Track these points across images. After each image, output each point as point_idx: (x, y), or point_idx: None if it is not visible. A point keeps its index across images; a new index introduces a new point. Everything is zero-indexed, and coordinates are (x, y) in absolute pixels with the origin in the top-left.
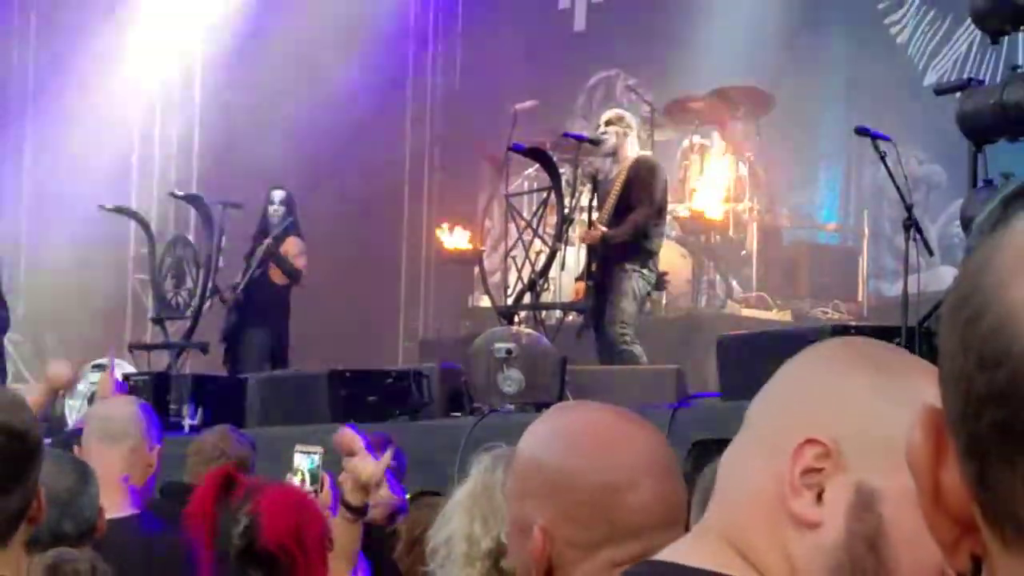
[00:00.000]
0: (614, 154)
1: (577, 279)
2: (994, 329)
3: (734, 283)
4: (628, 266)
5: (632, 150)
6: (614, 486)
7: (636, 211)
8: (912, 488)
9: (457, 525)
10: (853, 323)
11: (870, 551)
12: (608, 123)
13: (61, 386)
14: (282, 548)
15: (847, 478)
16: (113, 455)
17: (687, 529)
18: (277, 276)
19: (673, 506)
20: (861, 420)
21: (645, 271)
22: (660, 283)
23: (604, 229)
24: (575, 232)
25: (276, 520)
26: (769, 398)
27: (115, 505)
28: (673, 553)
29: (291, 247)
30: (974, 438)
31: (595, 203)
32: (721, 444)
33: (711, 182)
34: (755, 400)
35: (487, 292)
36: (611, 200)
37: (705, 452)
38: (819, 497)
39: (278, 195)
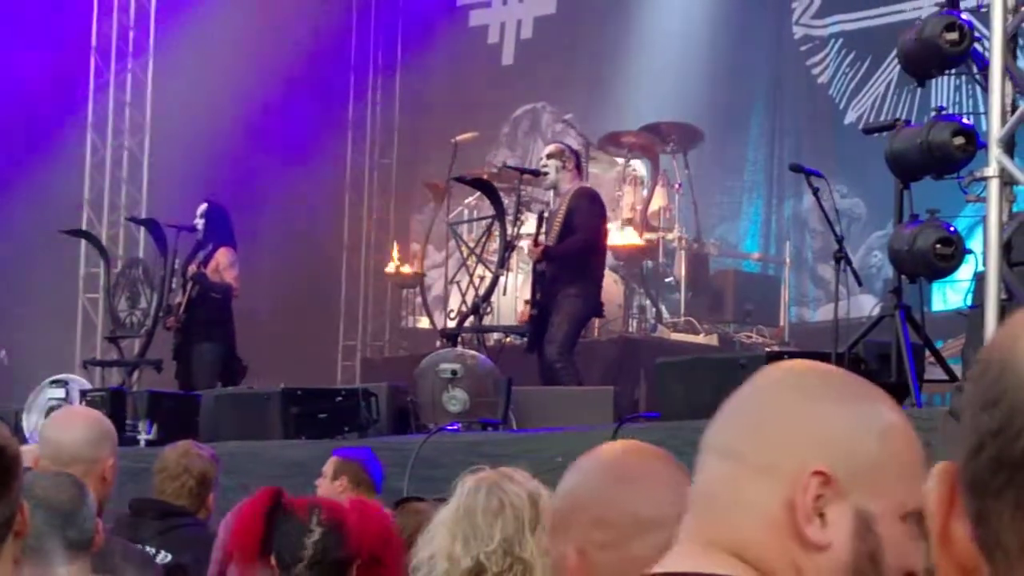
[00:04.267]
0: (554, 188)
1: (526, 302)
2: (996, 376)
3: (663, 308)
4: (571, 291)
5: (572, 182)
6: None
7: (575, 235)
8: (892, 506)
9: (439, 544)
10: (787, 350)
11: (872, 566)
12: (549, 156)
13: None
14: (373, 557)
15: (846, 503)
16: None
17: None
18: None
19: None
20: (847, 448)
21: (587, 296)
22: (599, 309)
23: (548, 244)
24: (517, 258)
25: (366, 529)
26: (752, 427)
27: None
28: (685, 563)
29: (221, 259)
30: (975, 477)
31: (542, 235)
32: None
33: (642, 212)
34: (728, 427)
35: (428, 315)
36: (555, 230)
37: None
38: (821, 519)
39: (200, 209)
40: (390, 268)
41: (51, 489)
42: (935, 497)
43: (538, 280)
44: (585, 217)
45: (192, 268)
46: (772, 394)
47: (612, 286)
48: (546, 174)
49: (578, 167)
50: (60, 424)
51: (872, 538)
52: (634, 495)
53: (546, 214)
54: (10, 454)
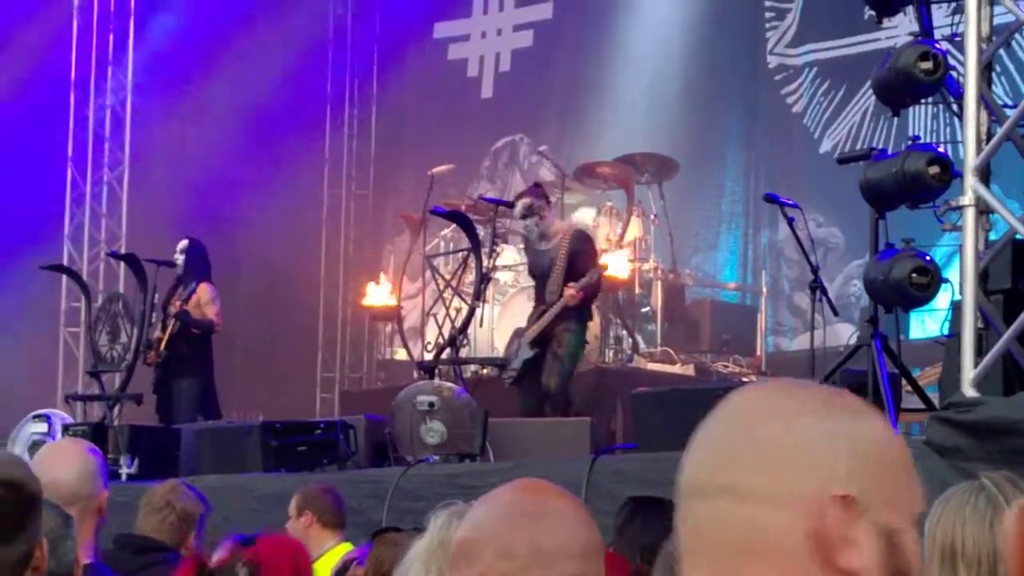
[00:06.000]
0: (543, 236)
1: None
2: None
3: (639, 339)
4: (571, 325)
5: (559, 223)
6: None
7: (588, 275)
8: (907, 514)
9: None
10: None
11: None
12: (523, 217)
13: None
14: None
15: (867, 522)
16: None
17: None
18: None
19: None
20: (856, 466)
21: (582, 331)
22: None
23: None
24: (493, 290)
25: (279, 565)
26: (750, 462)
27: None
28: None
29: (202, 295)
30: None
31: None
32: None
33: (618, 243)
34: (720, 464)
35: (405, 346)
36: (557, 272)
37: (637, 508)
38: (851, 544)
39: (180, 245)
40: (367, 300)
41: None
42: (1013, 538)
43: (539, 317)
44: (589, 258)
45: (175, 305)
46: (758, 424)
47: None
48: (514, 206)
49: (548, 203)
50: (54, 462)
51: (900, 552)
52: (537, 529)
53: (536, 247)
54: (30, 492)
